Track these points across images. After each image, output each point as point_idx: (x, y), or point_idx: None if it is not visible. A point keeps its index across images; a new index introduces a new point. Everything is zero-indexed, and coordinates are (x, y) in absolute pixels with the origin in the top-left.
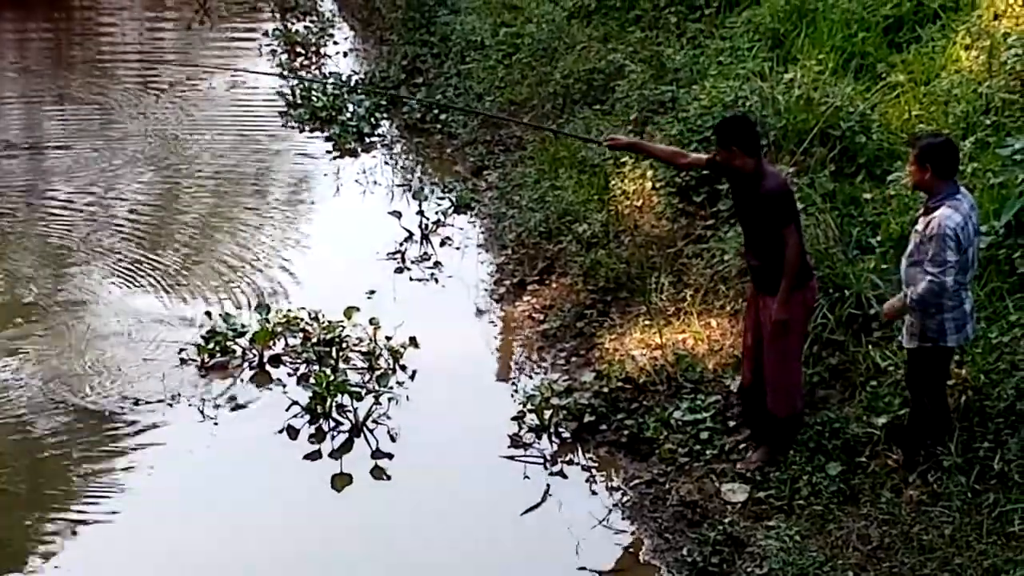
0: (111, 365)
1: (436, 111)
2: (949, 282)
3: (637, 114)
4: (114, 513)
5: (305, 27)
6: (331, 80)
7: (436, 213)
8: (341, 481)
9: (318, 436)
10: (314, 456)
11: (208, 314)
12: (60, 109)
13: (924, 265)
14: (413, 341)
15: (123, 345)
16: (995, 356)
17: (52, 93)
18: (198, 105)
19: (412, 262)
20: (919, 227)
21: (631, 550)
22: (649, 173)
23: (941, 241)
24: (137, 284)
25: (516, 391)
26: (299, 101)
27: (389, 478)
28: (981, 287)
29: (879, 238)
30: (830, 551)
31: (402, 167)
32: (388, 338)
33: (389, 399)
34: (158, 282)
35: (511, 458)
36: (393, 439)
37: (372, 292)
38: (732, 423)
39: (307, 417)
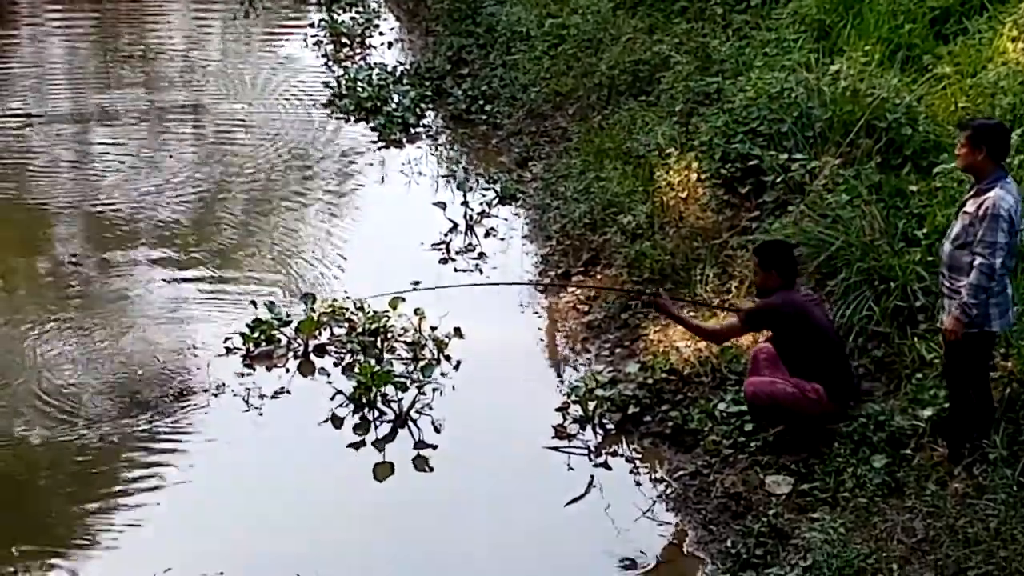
0: (156, 354)
1: (482, 102)
2: (998, 264)
3: (682, 105)
4: (156, 502)
5: (351, 18)
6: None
7: (481, 204)
8: (384, 471)
9: (362, 426)
10: (358, 446)
11: (253, 303)
12: (106, 93)
13: (973, 247)
14: (458, 332)
15: (168, 333)
16: None
17: (98, 77)
18: (244, 94)
19: (457, 253)
20: (969, 208)
21: (675, 541)
22: (694, 164)
23: (993, 221)
24: (182, 273)
25: (560, 382)
26: (344, 91)
27: (432, 468)
28: None
29: (925, 230)
30: (874, 544)
31: (447, 158)
32: (433, 328)
33: (433, 389)
34: (204, 271)
35: (555, 449)
36: (437, 429)
37: (417, 283)
38: None
39: (351, 407)
